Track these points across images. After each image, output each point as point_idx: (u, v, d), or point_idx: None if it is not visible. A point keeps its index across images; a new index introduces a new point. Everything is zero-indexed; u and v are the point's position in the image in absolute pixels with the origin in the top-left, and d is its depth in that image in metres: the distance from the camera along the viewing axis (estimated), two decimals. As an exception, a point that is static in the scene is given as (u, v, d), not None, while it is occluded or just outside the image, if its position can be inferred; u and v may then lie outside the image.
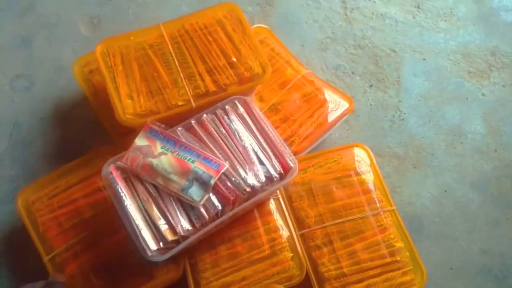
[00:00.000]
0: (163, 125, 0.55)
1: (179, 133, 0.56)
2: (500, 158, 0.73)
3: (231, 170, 0.54)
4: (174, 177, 0.51)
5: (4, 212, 0.66)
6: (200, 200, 0.51)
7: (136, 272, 0.58)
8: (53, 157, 0.65)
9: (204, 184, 0.51)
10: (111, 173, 0.53)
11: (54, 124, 0.72)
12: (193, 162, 0.52)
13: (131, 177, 0.54)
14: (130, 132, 0.61)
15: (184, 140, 0.54)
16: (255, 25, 0.74)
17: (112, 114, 0.59)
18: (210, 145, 0.55)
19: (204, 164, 0.52)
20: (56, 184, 0.62)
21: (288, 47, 0.73)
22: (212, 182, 0.51)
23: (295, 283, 0.57)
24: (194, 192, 0.50)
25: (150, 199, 0.53)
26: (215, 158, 0.52)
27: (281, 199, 0.62)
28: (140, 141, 0.54)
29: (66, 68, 0.74)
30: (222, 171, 0.52)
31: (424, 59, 0.80)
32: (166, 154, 0.52)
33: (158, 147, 0.52)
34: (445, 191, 0.70)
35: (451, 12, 0.84)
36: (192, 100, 0.59)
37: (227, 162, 0.53)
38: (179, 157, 0.52)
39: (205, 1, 0.80)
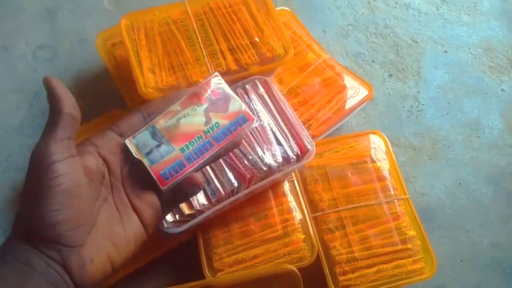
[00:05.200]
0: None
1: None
2: (516, 154, 0.72)
3: (248, 148, 0.55)
4: None
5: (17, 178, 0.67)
6: None
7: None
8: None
9: None
10: None
11: (74, 95, 0.71)
12: None
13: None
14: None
15: None
16: (279, 8, 0.73)
17: (132, 88, 0.59)
18: (229, 123, 0.56)
19: None
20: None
21: (309, 32, 0.73)
22: None
23: (306, 264, 0.57)
24: None
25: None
26: None
27: (295, 181, 0.62)
28: None
29: (88, 41, 0.75)
30: None
31: (445, 52, 0.79)
32: None
33: None
34: (459, 183, 0.70)
35: (475, 6, 0.84)
36: (213, 78, 0.59)
37: None
38: None
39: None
